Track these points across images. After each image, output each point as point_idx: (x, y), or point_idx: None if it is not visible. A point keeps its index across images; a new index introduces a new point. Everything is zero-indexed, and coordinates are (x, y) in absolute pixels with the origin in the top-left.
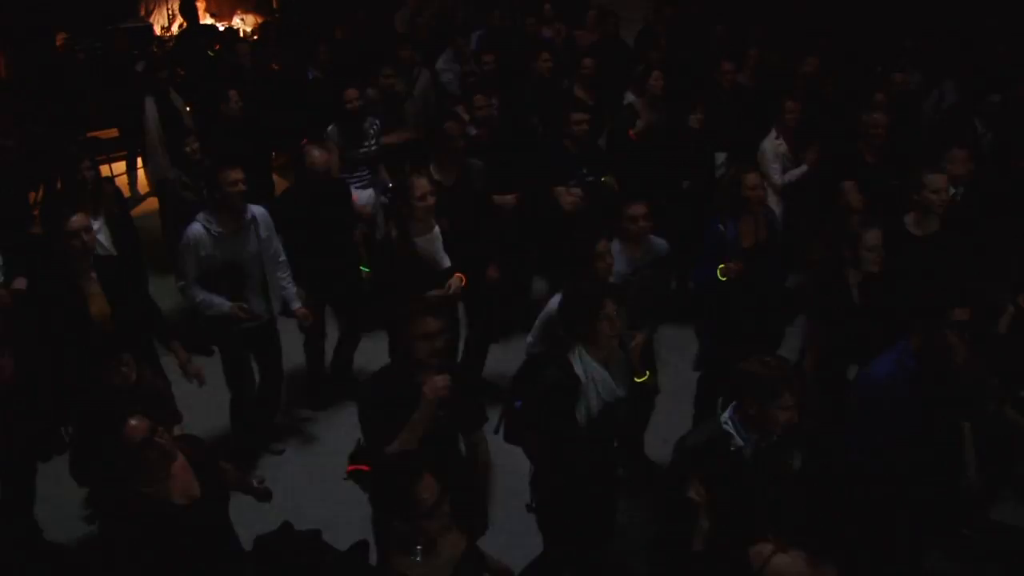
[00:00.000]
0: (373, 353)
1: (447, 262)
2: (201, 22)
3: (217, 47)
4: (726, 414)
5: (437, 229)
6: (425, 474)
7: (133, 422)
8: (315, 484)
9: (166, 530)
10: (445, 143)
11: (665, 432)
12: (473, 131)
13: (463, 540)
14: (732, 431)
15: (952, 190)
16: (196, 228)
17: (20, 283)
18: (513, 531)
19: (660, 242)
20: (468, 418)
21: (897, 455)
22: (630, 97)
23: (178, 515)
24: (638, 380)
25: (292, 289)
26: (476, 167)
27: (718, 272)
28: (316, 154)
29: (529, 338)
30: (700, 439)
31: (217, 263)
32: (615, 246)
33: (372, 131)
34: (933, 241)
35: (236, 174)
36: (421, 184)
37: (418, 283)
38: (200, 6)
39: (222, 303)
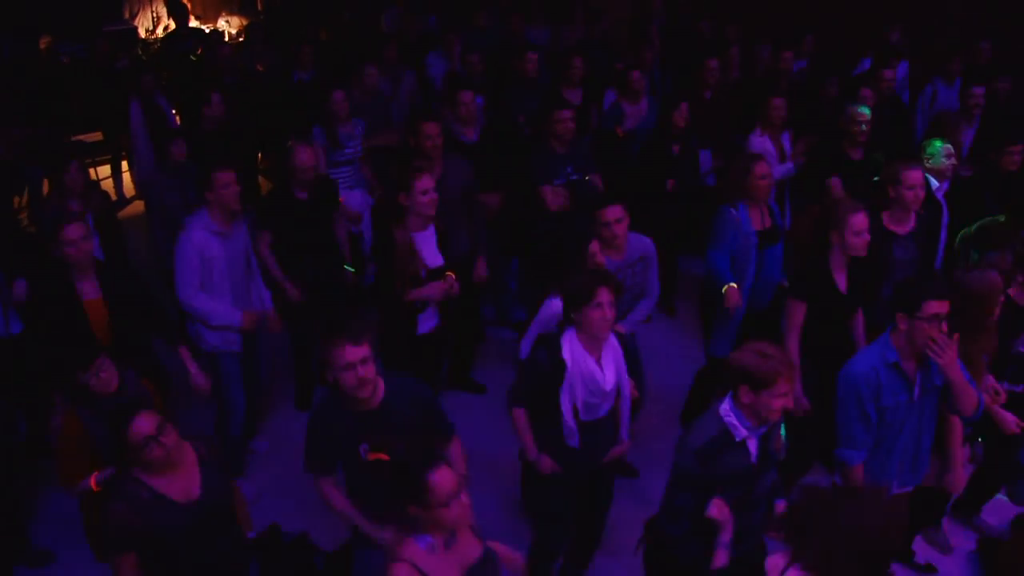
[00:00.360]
0: None
1: (441, 260)
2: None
3: (200, 51)
4: (724, 406)
5: (433, 227)
6: (443, 464)
7: (141, 419)
8: (302, 486)
9: (162, 526)
10: (423, 140)
11: (647, 435)
12: (459, 129)
13: (480, 546)
14: (735, 422)
15: (935, 184)
16: (196, 232)
17: (20, 288)
18: (506, 533)
19: (645, 241)
20: (437, 433)
21: (878, 450)
22: (611, 96)
23: (174, 512)
24: None
25: (267, 293)
26: (458, 164)
27: (723, 290)
28: (302, 153)
29: (523, 343)
30: (705, 438)
31: (220, 265)
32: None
33: (357, 133)
34: (911, 237)
35: (229, 175)
36: (426, 181)
37: (413, 280)
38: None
39: (231, 312)
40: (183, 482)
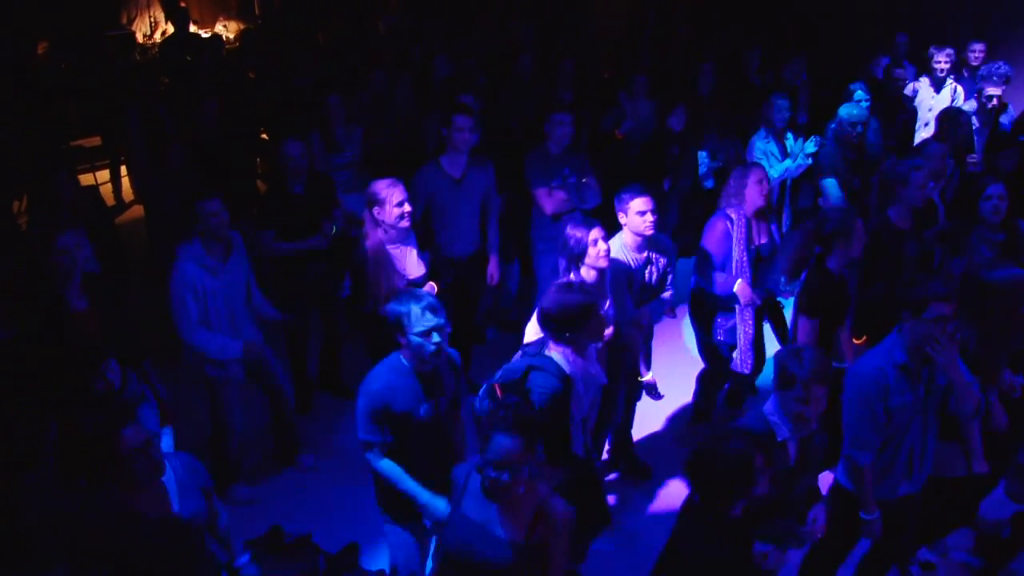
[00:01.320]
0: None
1: (421, 270)
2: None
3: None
4: (769, 405)
5: (414, 238)
6: (517, 434)
7: (129, 431)
8: (302, 487)
9: (128, 539)
10: (454, 132)
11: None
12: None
13: (522, 532)
14: (778, 421)
15: (931, 184)
16: (188, 267)
17: None
18: None
19: (666, 240)
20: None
21: (885, 450)
22: (622, 98)
23: (142, 527)
24: (641, 379)
25: (266, 303)
26: (482, 163)
27: (735, 288)
28: (289, 145)
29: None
30: (748, 435)
31: (215, 299)
32: (623, 239)
33: (354, 137)
34: (913, 232)
35: (214, 204)
36: (398, 192)
37: (388, 295)
38: None
39: (232, 344)
40: (156, 497)
